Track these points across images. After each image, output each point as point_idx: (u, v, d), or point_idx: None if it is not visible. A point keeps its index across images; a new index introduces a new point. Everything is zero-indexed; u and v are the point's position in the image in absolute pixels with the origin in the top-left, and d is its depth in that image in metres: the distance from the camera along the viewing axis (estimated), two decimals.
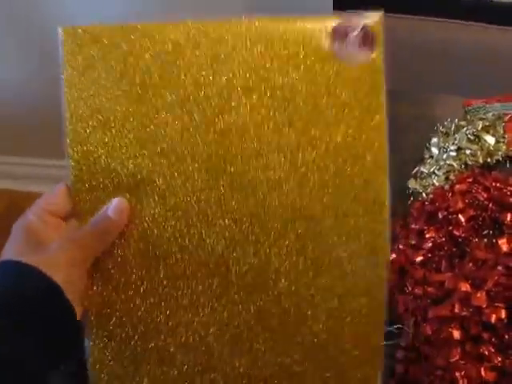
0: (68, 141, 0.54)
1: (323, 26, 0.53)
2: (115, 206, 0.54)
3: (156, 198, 0.55)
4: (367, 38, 0.53)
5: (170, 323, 0.56)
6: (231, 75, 0.54)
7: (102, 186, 0.55)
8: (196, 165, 0.55)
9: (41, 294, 0.48)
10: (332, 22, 0.53)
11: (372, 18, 0.53)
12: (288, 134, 0.54)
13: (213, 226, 0.55)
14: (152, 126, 0.54)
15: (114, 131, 0.54)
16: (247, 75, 0.54)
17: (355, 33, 0.53)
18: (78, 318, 0.52)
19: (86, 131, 0.54)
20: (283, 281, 0.55)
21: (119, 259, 0.56)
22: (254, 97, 0.54)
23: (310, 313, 0.56)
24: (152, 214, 0.55)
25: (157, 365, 0.57)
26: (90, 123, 0.54)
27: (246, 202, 0.54)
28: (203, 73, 0.54)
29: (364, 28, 0.53)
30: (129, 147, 0.55)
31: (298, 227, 0.55)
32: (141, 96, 0.54)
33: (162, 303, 0.56)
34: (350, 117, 0.54)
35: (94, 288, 0.56)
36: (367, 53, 0.53)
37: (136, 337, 0.56)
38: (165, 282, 0.56)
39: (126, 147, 0.55)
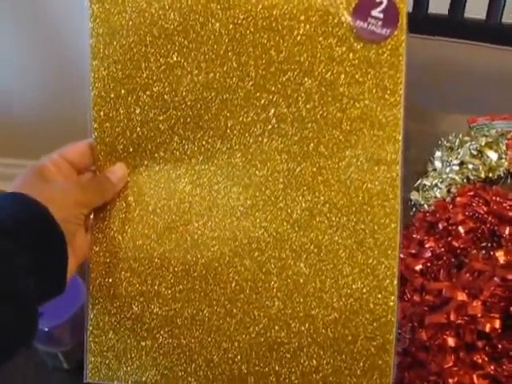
0: (91, 104, 0.57)
1: (345, 2, 0.54)
2: (115, 171, 0.58)
3: (173, 162, 0.58)
4: (391, 15, 0.53)
5: (170, 291, 0.59)
6: (252, 45, 0.56)
7: (122, 147, 0.58)
8: (211, 132, 0.57)
9: (36, 223, 0.50)
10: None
11: None
12: (300, 110, 0.56)
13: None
14: (173, 93, 0.57)
15: (135, 96, 0.57)
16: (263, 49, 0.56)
17: (379, 9, 0.53)
18: (71, 264, 0.54)
19: (108, 96, 0.57)
20: None
21: (121, 225, 0.59)
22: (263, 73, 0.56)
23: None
24: (167, 179, 0.58)
25: (157, 335, 0.59)
26: (113, 88, 0.57)
27: None
28: (226, 40, 0.56)
29: (388, 4, 0.53)
30: (148, 113, 0.57)
31: None
32: (162, 64, 0.56)
33: (161, 272, 0.59)
34: (366, 95, 0.55)
35: (95, 247, 0.59)
36: (390, 30, 0.54)
37: (136, 304, 0.59)
38: (167, 254, 0.59)
39: (146, 111, 0.57)
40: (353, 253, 0.57)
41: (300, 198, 0.57)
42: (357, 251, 0.57)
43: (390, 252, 0.57)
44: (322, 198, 0.57)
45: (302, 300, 0.58)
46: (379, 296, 0.57)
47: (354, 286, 0.57)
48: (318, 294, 0.57)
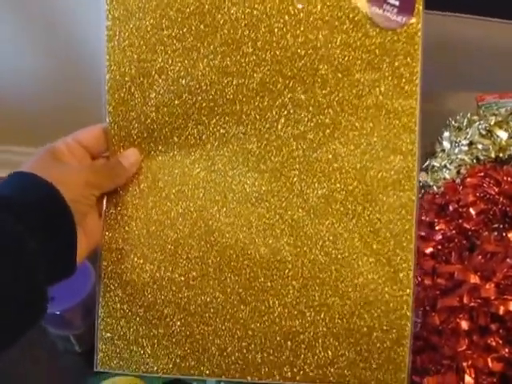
0: (106, 88, 0.57)
1: None
2: (128, 155, 0.57)
3: (187, 148, 0.57)
4: (407, 3, 0.53)
5: (184, 278, 0.58)
6: (268, 30, 0.55)
7: (137, 132, 0.57)
8: (226, 117, 0.57)
9: (45, 204, 0.50)
10: None
11: None
12: (315, 95, 0.56)
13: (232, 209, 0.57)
14: (189, 77, 0.56)
15: (150, 80, 0.56)
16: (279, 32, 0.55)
17: None
18: (82, 246, 0.54)
19: (123, 79, 0.57)
20: None
21: (134, 211, 0.58)
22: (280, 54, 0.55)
23: None
24: (182, 165, 0.58)
25: (170, 323, 0.58)
26: (128, 72, 0.56)
27: None
28: (243, 25, 0.55)
29: None
30: (164, 98, 0.56)
31: None
32: (178, 48, 0.56)
33: (174, 258, 0.58)
34: (382, 83, 0.55)
35: (108, 233, 0.58)
36: (406, 18, 0.54)
37: (149, 291, 0.58)
38: (181, 241, 0.58)
39: (161, 95, 0.56)
40: (368, 242, 0.56)
41: (316, 184, 0.57)
42: (372, 241, 0.56)
43: (405, 244, 0.57)
44: (337, 185, 0.56)
45: (317, 288, 0.57)
46: (395, 288, 0.57)
47: (369, 276, 0.57)
48: (333, 283, 0.57)
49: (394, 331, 0.57)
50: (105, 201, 0.58)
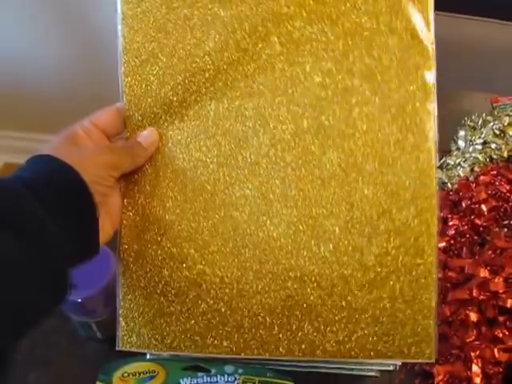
0: (122, 69, 0.58)
1: None
2: (146, 135, 0.58)
3: (206, 126, 0.58)
4: None
5: (201, 255, 0.58)
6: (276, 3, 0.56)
7: (153, 111, 0.58)
8: (239, 92, 0.57)
9: (66, 185, 0.50)
10: None
11: None
12: (327, 63, 0.56)
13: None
14: (201, 54, 0.57)
15: (164, 59, 0.57)
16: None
17: None
18: (105, 225, 0.55)
19: (138, 60, 0.58)
20: None
21: (152, 188, 0.59)
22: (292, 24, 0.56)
23: None
24: (199, 144, 0.58)
25: (186, 300, 0.58)
26: (143, 53, 0.58)
27: None
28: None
29: None
30: (178, 76, 0.57)
31: None
32: (189, 27, 0.57)
33: (193, 236, 0.58)
34: (396, 43, 0.55)
35: (126, 212, 0.59)
36: None
37: (166, 268, 0.58)
38: (196, 217, 0.58)
39: (174, 74, 0.57)
40: (387, 209, 0.55)
41: (331, 151, 0.56)
42: (392, 206, 0.55)
43: (426, 211, 0.54)
44: (354, 152, 0.55)
45: (334, 259, 0.55)
46: (416, 256, 0.54)
47: (389, 245, 0.55)
48: (351, 253, 0.55)
49: (416, 301, 0.55)
50: (123, 180, 0.59)
